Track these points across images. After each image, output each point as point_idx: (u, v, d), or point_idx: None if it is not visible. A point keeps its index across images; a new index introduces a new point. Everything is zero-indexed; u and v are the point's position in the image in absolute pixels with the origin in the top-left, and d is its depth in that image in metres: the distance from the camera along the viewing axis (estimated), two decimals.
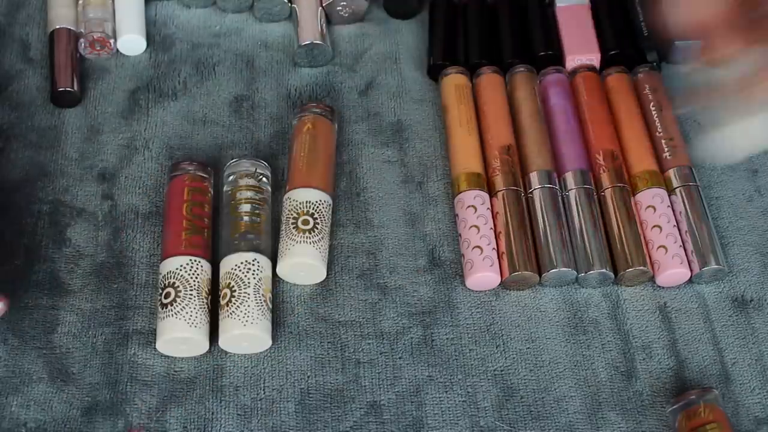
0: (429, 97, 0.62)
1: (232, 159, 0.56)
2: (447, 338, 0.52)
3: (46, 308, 0.52)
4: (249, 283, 0.50)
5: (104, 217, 0.56)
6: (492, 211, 0.55)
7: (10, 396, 0.49)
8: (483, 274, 0.53)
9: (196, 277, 0.51)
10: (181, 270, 0.51)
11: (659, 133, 0.59)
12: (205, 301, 0.51)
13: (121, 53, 0.64)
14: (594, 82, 0.61)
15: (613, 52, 0.62)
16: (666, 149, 0.58)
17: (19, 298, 0.52)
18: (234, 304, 0.50)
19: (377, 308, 0.53)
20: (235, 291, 0.50)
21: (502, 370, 0.51)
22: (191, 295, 0.50)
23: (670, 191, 0.56)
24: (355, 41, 0.65)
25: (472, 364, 0.51)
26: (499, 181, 0.56)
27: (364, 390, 0.50)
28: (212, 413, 0.49)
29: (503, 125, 0.59)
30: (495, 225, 0.55)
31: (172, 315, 0.49)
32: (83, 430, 0.48)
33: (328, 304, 0.53)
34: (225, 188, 0.55)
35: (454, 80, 0.61)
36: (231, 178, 0.55)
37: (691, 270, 0.54)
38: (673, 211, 0.55)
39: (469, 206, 0.55)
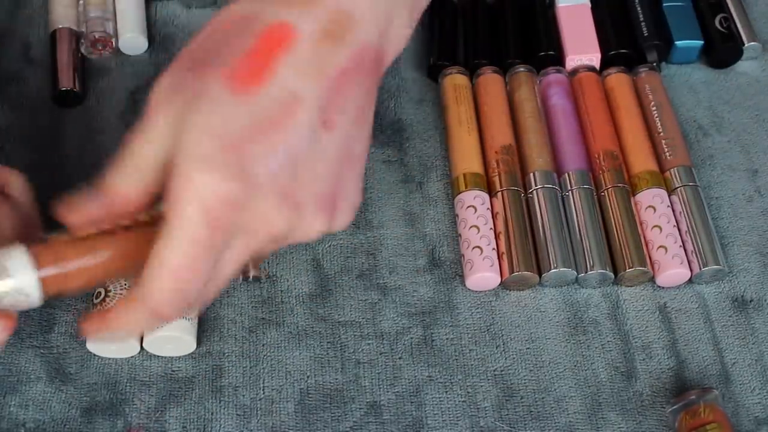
0: (429, 97, 0.62)
1: None
2: (447, 338, 0.52)
3: (42, 307, 0.52)
4: None
5: None
6: (492, 211, 0.55)
7: (8, 396, 0.49)
8: (483, 275, 0.53)
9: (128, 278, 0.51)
10: None
11: (659, 133, 0.59)
12: None
13: (122, 52, 0.64)
14: (594, 82, 0.61)
15: (613, 52, 0.62)
16: (666, 149, 0.58)
17: None
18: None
19: (377, 308, 0.53)
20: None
21: (502, 371, 0.51)
22: (120, 294, 0.50)
23: (670, 191, 0.56)
24: None
25: (472, 364, 0.51)
26: (499, 181, 0.56)
27: (364, 390, 0.50)
28: (211, 413, 0.49)
29: (503, 125, 0.59)
30: (495, 225, 0.55)
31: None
32: (83, 430, 0.48)
33: (328, 304, 0.53)
34: None
35: (454, 80, 0.61)
36: None
37: (691, 270, 0.53)
38: (673, 211, 0.55)
39: (469, 206, 0.55)
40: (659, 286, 0.54)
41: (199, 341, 0.51)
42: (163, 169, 0.39)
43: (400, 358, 0.51)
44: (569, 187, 0.56)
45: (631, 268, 0.53)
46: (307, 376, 0.50)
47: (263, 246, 0.40)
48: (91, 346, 0.50)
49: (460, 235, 0.55)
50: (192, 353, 0.51)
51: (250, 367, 0.51)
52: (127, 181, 0.40)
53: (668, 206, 0.55)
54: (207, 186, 0.37)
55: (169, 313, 0.39)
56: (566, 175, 0.57)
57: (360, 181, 0.42)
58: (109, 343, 0.50)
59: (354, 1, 0.41)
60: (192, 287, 0.39)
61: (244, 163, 0.38)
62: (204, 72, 0.39)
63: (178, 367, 0.51)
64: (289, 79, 0.39)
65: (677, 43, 0.63)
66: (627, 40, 0.63)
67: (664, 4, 0.65)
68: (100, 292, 0.50)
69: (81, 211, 0.41)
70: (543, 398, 0.50)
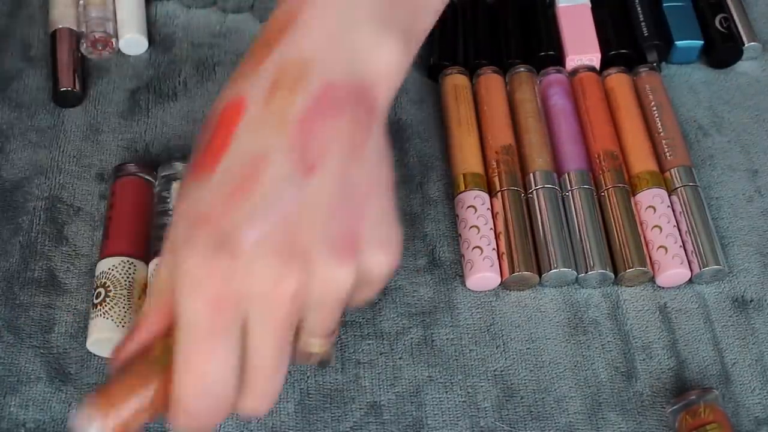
0: (429, 97, 0.62)
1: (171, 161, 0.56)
2: (447, 338, 0.52)
3: (42, 306, 0.52)
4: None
5: (101, 217, 0.56)
6: (492, 212, 0.55)
7: (8, 396, 0.49)
8: (483, 275, 0.53)
9: (128, 278, 0.51)
10: (113, 270, 0.51)
11: (659, 133, 0.59)
12: (136, 301, 0.51)
13: (122, 53, 0.64)
14: (594, 82, 0.61)
15: (613, 52, 0.62)
16: (666, 149, 0.58)
17: (16, 295, 0.52)
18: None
19: (377, 308, 0.53)
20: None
21: (502, 371, 0.51)
22: (121, 294, 0.50)
23: (670, 191, 0.56)
24: None
25: (472, 365, 0.51)
26: (499, 181, 0.56)
27: (364, 390, 0.50)
28: None
29: (503, 125, 0.59)
30: (495, 225, 0.55)
31: (101, 315, 0.50)
32: None
33: None
34: (156, 189, 0.55)
35: (454, 80, 0.61)
36: (162, 179, 0.55)
37: (691, 270, 0.53)
38: (673, 211, 0.55)
39: (469, 206, 0.55)
40: (659, 286, 0.54)
41: None
42: None
43: (400, 358, 0.51)
44: (569, 187, 0.56)
45: (631, 268, 0.53)
46: (307, 376, 0.50)
47: (288, 314, 0.38)
48: (91, 347, 0.50)
49: (460, 235, 0.55)
50: None
51: None
52: (155, 309, 0.40)
53: (668, 206, 0.55)
54: (192, 268, 0.36)
55: (206, 415, 0.38)
56: (566, 175, 0.57)
57: (386, 214, 0.40)
58: (109, 343, 0.50)
59: (305, 46, 0.39)
60: (220, 382, 0.37)
61: (224, 233, 0.36)
62: (184, 176, 0.39)
63: None
64: (246, 144, 0.38)
65: (677, 43, 0.63)
66: (627, 40, 0.63)
67: (664, 4, 0.65)
68: (100, 293, 0.50)
69: (125, 352, 0.40)
70: (543, 398, 0.50)
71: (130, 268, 0.51)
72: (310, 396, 0.50)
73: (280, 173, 0.37)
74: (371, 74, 0.40)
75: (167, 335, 0.38)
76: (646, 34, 0.63)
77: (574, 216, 0.55)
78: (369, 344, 0.52)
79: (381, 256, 0.40)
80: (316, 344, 0.41)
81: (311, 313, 0.39)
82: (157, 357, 0.38)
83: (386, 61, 0.41)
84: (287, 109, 0.38)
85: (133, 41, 0.63)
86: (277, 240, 0.37)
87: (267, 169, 0.37)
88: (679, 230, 0.55)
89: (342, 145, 0.39)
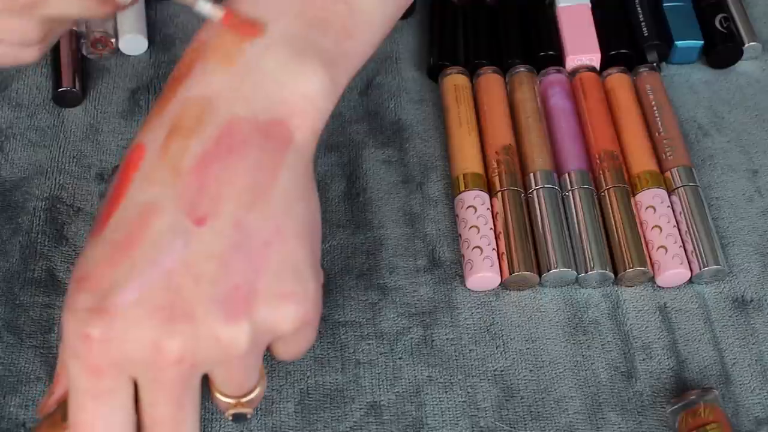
0: (429, 97, 0.62)
1: None
2: (447, 338, 0.52)
3: (42, 306, 0.52)
4: None
5: None
6: (492, 212, 0.55)
7: (8, 396, 0.49)
8: (483, 275, 0.53)
9: None
10: None
11: (659, 133, 0.59)
12: None
13: (122, 53, 0.64)
14: (594, 82, 0.61)
15: (613, 52, 0.62)
16: (666, 149, 0.58)
17: (16, 295, 0.52)
18: None
19: (377, 308, 0.53)
20: None
21: (502, 371, 0.51)
22: None
23: (671, 191, 0.56)
24: None
25: (472, 365, 0.51)
26: (499, 181, 0.56)
27: (364, 390, 0.50)
28: (211, 413, 0.49)
29: (503, 125, 0.59)
30: (495, 225, 0.55)
31: None
32: None
33: (327, 304, 0.53)
34: None
35: (454, 80, 0.61)
36: None
37: (691, 270, 0.53)
38: (673, 211, 0.55)
39: (469, 206, 0.55)
40: (659, 286, 0.54)
41: None
42: None
43: (400, 358, 0.51)
44: (569, 187, 0.56)
45: (631, 268, 0.53)
46: (307, 376, 0.50)
47: (178, 375, 0.36)
48: None
49: (460, 235, 0.55)
50: None
51: None
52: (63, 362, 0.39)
53: (668, 206, 0.55)
54: (71, 332, 0.36)
55: None
56: (566, 175, 0.57)
57: (292, 263, 0.37)
58: None
59: (209, 82, 0.38)
60: None
61: (101, 295, 0.35)
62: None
63: None
64: (138, 194, 0.36)
65: (677, 43, 0.63)
66: (627, 40, 0.63)
67: (664, 4, 0.65)
68: None
69: (47, 407, 0.40)
70: (543, 398, 0.50)
71: None
72: (310, 396, 0.50)
73: (167, 225, 0.36)
74: (285, 107, 0.38)
75: None
76: (646, 34, 0.63)
77: (574, 216, 0.55)
78: (369, 344, 0.52)
79: (284, 309, 0.37)
80: (228, 401, 0.39)
81: (215, 369, 0.38)
82: (65, 412, 0.38)
83: (303, 91, 0.38)
84: (182, 155, 0.37)
85: (133, 41, 0.63)
86: (158, 300, 0.35)
87: (154, 221, 0.36)
88: (679, 230, 0.55)
89: (239, 190, 0.37)
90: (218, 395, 0.39)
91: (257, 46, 0.39)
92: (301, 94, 0.38)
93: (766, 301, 0.54)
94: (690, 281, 0.54)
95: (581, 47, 0.62)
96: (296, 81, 0.38)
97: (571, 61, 0.62)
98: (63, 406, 0.39)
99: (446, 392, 0.50)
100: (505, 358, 0.51)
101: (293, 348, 0.40)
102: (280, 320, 0.37)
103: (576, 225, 0.55)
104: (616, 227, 0.55)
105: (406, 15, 0.66)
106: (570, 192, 0.56)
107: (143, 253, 0.36)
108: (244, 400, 0.40)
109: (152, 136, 0.38)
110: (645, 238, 0.54)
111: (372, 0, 0.41)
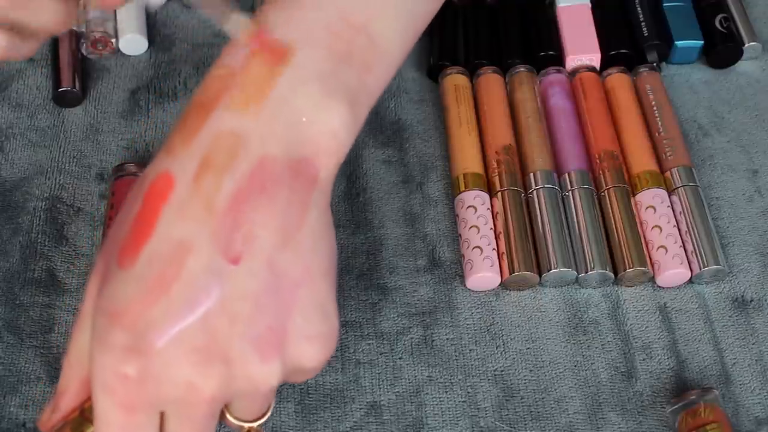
0: (429, 97, 0.62)
1: None
2: (447, 338, 0.52)
3: (42, 306, 0.52)
4: None
5: (101, 217, 0.56)
6: (492, 212, 0.55)
7: (8, 396, 0.49)
8: (483, 275, 0.53)
9: None
10: None
11: (659, 133, 0.59)
12: None
13: (122, 53, 0.64)
14: (594, 82, 0.61)
15: (613, 52, 0.62)
16: (666, 149, 0.58)
17: (16, 295, 0.52)
18: None
19: (377, 308, 0.53)
20: None
21: (502, 371, 0.51)
22: None
23: (671, 191, 0.56)
24: None
25: (472, 365, 0.51)
26: (499, 181, 0.56)
27: (364, 390, 0.50)
28: None
29: (503, 125, 0.59)
30: (495, 225, 0.55)
31: None
32: None
33: None
34: None
35: (454, 80, 0.61)
36: None
37: (691, 270, 0.53)
38: (674, 211, 0.55)
39: (469, 206, 0.55)
40: (659, 286, 0.54)
41: None
42: None
43: (400, 358, 0.51)
44: (569, 187, 0.56)
45: (631, 268, 0.53)
46: None
47: (208, 412, 0.37)
48: None
49: (460, 235, 0.55)
50: None
51: None
52: (72, 378, 0.39)
53: (668, 206, 0.55)
54: (105, 367, 0.35)
55: None
56: (566, 175, 0.57)
57: (320, 303, 0.38)
58: None
59: (240, 118, 0.37)
60: None
61: (138, 333, 0.35)
62: (107, 254, 0.38)
63: None
64: (170, 230, 0.36)
65: (677, 43, 0.63)
66: (627, 40, 0.63)
67: (664, 4, 0.65)
68: None
69: (50, 422, 0.40)
70: (543, 398, 0.50)
71: None
72: (310, 396, 0.50)
73: (203, 265, 0.35)
74: (313, 145, 0.38)
75: (85, 404, 0.39)
76: (646, 34, 0.63)
77: (574, 216, 0.55)
78: (369, 344, 0.52)
79: (311, 350, 0.38)
80: (242, 424, 0.40)
81: (237, 401, 0.38)
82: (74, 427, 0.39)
83: (330, 129, 0.38)
84: (216, 192, 0.36)
85: (133, 41, 0.63)
86: (195, 340, 0.35)
87: (189, 260, 0.35)
88: (679, 230, 0.55)
89: (272, 230, 0.36)
90: (233, 419, 0.40)
91: (288, 80, 0.38)
92: (327, 132, 0.38)
93: (766, 301, 0.54)
94: (690, 281, 0.54)
95: (581, 47, 0.62)
96: (324, 119, 0.38)
97: (571, 61, 0.62)
98: (72, 424, 0.39)
99: (446, 392, 0.50)
100: (505, 358, 0.51)
101: (309, 376, 0.40)
102: (307, 359, 0.38)
103: (576, 225, 0.55)
104: (616, 227, 0.55)
105: None
106: (570, 192, 0.56)
107: (179, 292, 0.35)
108: (256, 424, 0.40)
109: (181, 166, 0.37)
110: (645, 238, 0.54)
111: (391, 32, 0.41)
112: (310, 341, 0.37)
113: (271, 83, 0.38)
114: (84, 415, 0.39)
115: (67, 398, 0.39)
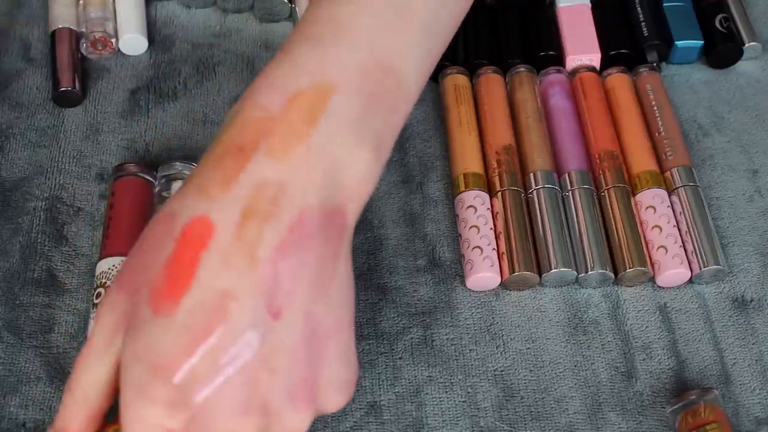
0: (429, 97, 0.62)
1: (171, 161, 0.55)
2: (447, 338, 0.52)
3: (42, 306, 0.52)
4: None
5: (101, 217, 0.56)
6: (492, 212, 0.55)
7: (8, 396, 0.49)
8: (483, 275, 0.53)
9: None
10: (113, 270, 0.51)
11: (659, 133, 0.59)
12: None
13: (122, 53, 0.64)
14: (594, 82, 0.61)
15: (613, 52, 0.62)
16: (666, 149, 0.58)
17: (16, 295, 0.52)
18: None
19: (377, 308, 0.53)
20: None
21: (502, 371, 0.51)
22: None
23: (671, 191, 0.56)
24: None
25: (472, 365, 0.51)
26: (499, 181, 0.56)
27: (364, 390, 0.50)
28: None
29: (503, 125, 0.59)
30: (495, 225, 0.55)
31: None
32: None
33: None
34: (156, 189, 0.55)
35: (454, 80, 0.61)
36: (162, 179, 0.55)
37: (691, 270, 0.53)
38: (674, 211, 0.55)
39: (469, 206, 0.55)
40: (659, 286, 0.54)
41: None
42: (114, 385, 0.38)
43: (400, 358, 0.51)
44: (569, 187, 0.56)
45: (631, 268, 0.53)
46: None
47: None
48: None
49: (460, 235, 0.55)
50: None
51: None
52: (76, 415, 0.39)
53: (668, 206, 0.55)
54: (145, 417, 0.35)
55: None
56: (566, 175, 0.57)
57: (346, 352, 0.38)
58: None
59: (280, 167, 0.36)
60: None
61: (182, 387, 0.35)
62: (133, 292, 0.37)
63: None
64: (213, 279, 0.35)
65: (677, 43, 0.63)
66: (627, 40, 0.63)
67: (664, 4, 0.65)
68: (100, 292, 0.50)
69: None
70: (543, 398, 0.50)
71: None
72: None
73: (248, 319, 0.35)
74: (344, 193, 0.38)
75: None
76: (646, 34, 0.63)
77: (574, 216, 0.55)
78: (369, 344, 0.52)
79: (337, 397, 0.39)
80: None
81: None
82: None
83: (359, 175, 0.38)
84: (259, 242, 0.36)
85: (133, 41, 0.63)
86: (237, 394, 0.36)
87: (233, 313, 0.35)
88: (679, 230, 0.55)
89: (309, 283, 0.37)
90: None
91: (326, 127, 0.37)
92: (357, 179, 0.38)
93: (766, 301, 0.54)
94: (690, 281, 0.54)
95: (581, 47, 0.62)
96: (355, 167, 0.38)
97: (571, 61, 0.62)
98: None
99: (446, 392, 0.50)
100: (505, 358, 0.51)
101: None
102: (332, 405, 0.39)
103: (576, 225, 0.55)
104: (616, 227, 0.55)
105: None
106: (570, 192, 0.56)
107: (223, 345, 0.35)
108: None
109: (221, 213, 0.36)
110: (645, 238, 0.54)
111: (414, 72, 0.40)
112: (337, 390, 0.39)
113: (310, 131, 0.37)
114: None
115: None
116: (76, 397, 0.39)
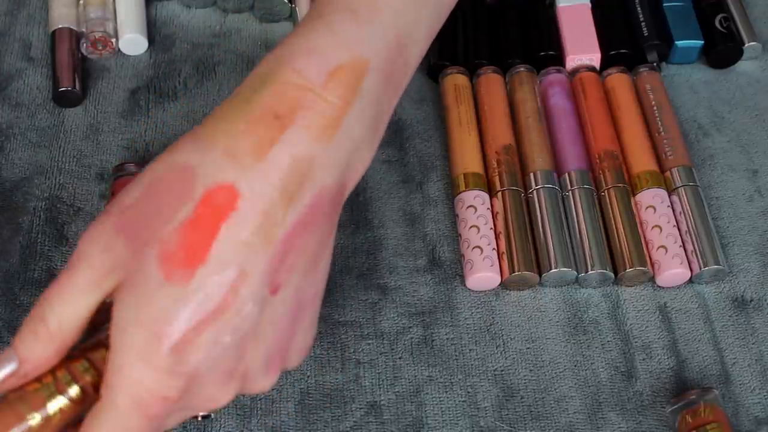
0: (429, 97, 0.62)
1: None
2: (447, 338, 0.52)
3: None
4: None
5: None
6: (492, 211, 0.55)
7: None
8: (483, 274, 0.53)
9: None
10: None
11: (659, 133, 0.59)
12: None
13: (122, 53, 0.64)
14: (594, 82, 0.61)
15: (613, 52, 0.62)
16: (666, 149, 0.58)
17: (16, 296, 0.52)
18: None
19: (377, 308, 0.53)
20: None
21: (502, 370, 0.51)
22: None
23: (671, 191, 0.56)
24: None
25: (472, 364, 0.51)
26: (499, 181, 0.56)
27: (364, 390, 0.50)
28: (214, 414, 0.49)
29: (503, 125, 0.59)
30: (495, 225, 0.55)
31: None
32: None
33: (328, 304, 0.53)
34: None
35: (454, 80, 0.61)
36: None
37: (691, 270, 0.54)
38: (674, 211, 0.55)
39: (469, 206, 0.55)
40: (659, 286, 0.54)
41: None
42: (85, 325, 0.37)
43: (400, 358, 0.51)
44: (569, 187, 0.56)
45: (631, 268, 0.53)
46: (307, 376, 0.50)
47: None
48: None
49: (460, 235, 0.55)
50: None
51: None
52: (48, 347, 0.37)
53: (668, 206, 0.55)
54: (142, 383, 0.35)
55: None
56: (566, 175, 0.57)
57: (314, 320, 0.39)
58: None
59: (313, 144, 0.35)
60: None
61: (183, 356, 0.35)
62: (139, 244, 0.35)
63: None
64: (230, 255, 0.35)
65: (677, 43, 0.63)
66: (627, 40, 0.63)
67: (664, 4, 0.65)
68: None
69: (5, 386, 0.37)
70: (543, 398, 0.50)
71: None
72: (310, 396, 0.50)
73: (252, 296, 0.35)
74: (351, 174, 0.38)
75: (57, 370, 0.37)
76: (646, 34, 0.63)
77: (574, 216, 0.55)
78: (369, 344, 0.52)
79: (298, 359, 0.40)
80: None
81: None
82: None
83: (362, 159, 0.38)
84: (281, 222, 0.35)
85: (133, 41, 0.63)
86: (227, 364, 0.36)
87: (242, 289, 0.35)
88: (679, 230, 0.55)
89: (307, 260, 0.37)
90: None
91: (358, 105, 0.37)
92: (361, 158, 0.38)
93: (766, 301, 0.54)
94: (690, 281, 0.54)
95: (581, 47, 0.62)
96: (363, 146, 0.38)
97: (571, 61, 0.62)
98: (46, 390, 0.37)
99: (446, 392, 0.50)
100: (505, 358, 0.51)
101: None
102: (293, 366, 0.40)
103: (576, 225, 0.55)
104: (616, 227, 0.55)
105: None
106: (570, 192, 0.56)
107: (229, 320, 0.35)
108: None
109: (251, 186, 0.35)
110: (645, 238, 0.54)
111: (418, 51, 0.40)
112: (303, 353, 0.40)
113: (346, 109, 0.37)
114: (58, 382, 0.37)
115: (34, 368, 0.37)
116: (50, 329, 0.37)
